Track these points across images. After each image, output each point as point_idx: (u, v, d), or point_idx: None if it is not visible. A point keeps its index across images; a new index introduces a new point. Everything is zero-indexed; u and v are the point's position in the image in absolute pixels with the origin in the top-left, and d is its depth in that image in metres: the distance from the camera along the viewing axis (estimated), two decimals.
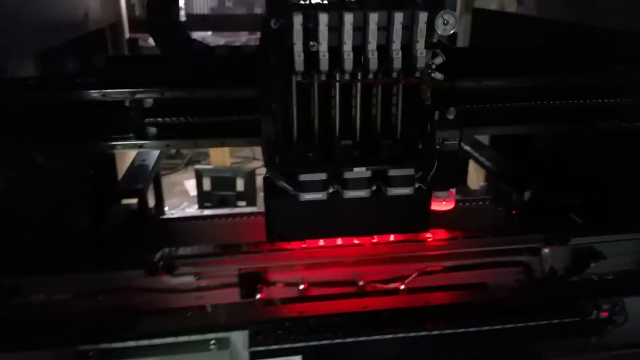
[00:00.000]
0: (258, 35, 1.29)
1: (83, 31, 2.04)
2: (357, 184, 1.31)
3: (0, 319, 1.41)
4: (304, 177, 1.29)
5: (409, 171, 1.32)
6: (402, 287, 1.65)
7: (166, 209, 4.50)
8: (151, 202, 2.18)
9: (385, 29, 1.20)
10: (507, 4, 2.47)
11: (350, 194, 1.31)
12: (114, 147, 1.63)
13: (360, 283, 1.65)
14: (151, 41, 1.55)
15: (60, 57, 1.92)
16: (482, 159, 2.35)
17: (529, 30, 2.30)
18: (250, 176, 4.41)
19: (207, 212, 2.17)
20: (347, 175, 1.30)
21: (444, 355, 1.40)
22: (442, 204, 1.64)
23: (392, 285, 1.66)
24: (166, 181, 5.15)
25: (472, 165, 2.51)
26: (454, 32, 1.27)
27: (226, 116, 1.59)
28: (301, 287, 1.61)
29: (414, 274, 1.67)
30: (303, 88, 1.25)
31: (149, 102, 1.55)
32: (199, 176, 4.29)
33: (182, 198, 4.76)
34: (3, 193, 1.44)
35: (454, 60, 1.31)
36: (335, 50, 1.21)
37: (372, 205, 1.37)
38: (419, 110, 1.31)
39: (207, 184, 4.31)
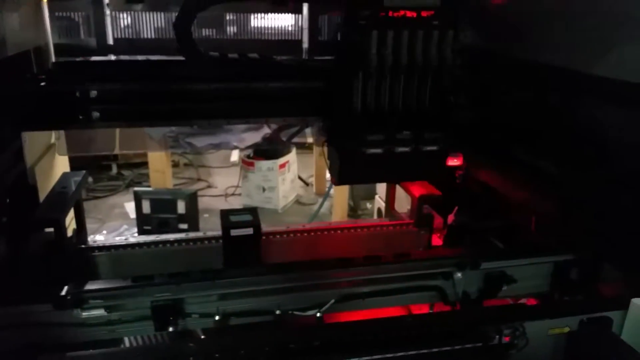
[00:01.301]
0: None
1: (3, 55, 1.99)
2: (404, 142, 1.85)
3: None
4: (370, 137, 1.82)
5: (437, 134, 1.87)
6: (318, 314, 1.68)
7: (104, 232, 4.41)
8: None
9: (427, 40, 1.78)
10: None
11: (399, 149, 1.85)
12: (66, 127, 2.06)
13: (277, 312, 1.66)
14: None
15: None
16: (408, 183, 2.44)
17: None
18: (192, 198, 4.37)
19: (132, 239, 2.12)
20: (398, 136, 1.84)
21: None
22: (454, 161, 2.26)
23: (309, 313, 1.69)
24: (106, 203, 5.05)
25: (399, 190, 2.58)
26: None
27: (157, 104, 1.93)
28: (217, 317, 1.61)
29: (331, 301, 1.71)
30: (365, 79, 1.80)
31: (93, 93, 1.84)
32: (138, 199, 4.22)
33: (121, 221, 4.66)
34: None
35: None
36: (395, 52, 1.76)
37: (410, 158, 1.90)
38: (443, 94, 1.87)
39: (146, 207, 4.24)
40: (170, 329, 1.53)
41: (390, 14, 1.73)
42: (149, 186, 4.82)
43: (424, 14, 1.75)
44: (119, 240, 2.10)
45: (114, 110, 1.90)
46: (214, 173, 5.93)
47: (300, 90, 2.00)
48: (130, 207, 4.75)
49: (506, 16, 2.08)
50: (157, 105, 1.94)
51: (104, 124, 1.92)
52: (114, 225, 4.55)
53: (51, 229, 1.91)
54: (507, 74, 2.04)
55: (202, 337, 1.49)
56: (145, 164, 5.33)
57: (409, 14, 1.74)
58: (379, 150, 1.85)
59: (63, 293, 1.49)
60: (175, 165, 5.60)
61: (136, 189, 4.28)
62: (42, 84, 1.88)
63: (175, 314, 1.57)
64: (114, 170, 5.57)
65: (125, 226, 4.53)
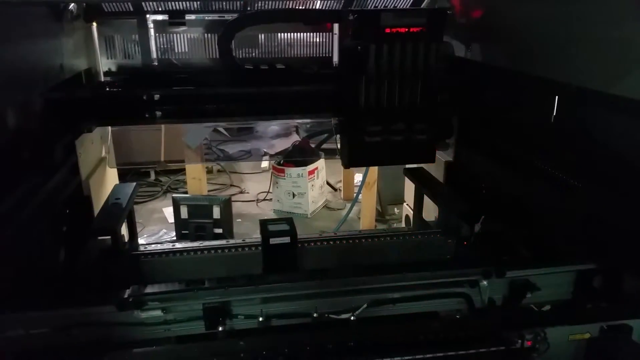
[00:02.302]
0: None
1: (60, 79, 2.21)
2: (399, 132, 2.27)
3: None
4: (371, 128, 2.25)
5: (425, 126, 2.29)
6: (352, 318, 1.81)
7: (145, 236, 4.63)
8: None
9: (416, 51, 2.18)
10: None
11: (395, 138, 2.27)
12: (137, 122, 2.56)
13: (315, 315, 1.81)
14: None
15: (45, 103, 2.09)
16: (435, 193, 2.55)
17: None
18: (226, 204, 4.55)
19: (178, 245, 2.31)
20: (393, 127, 2.26)
21: None
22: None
23: (343, 316, 1.82)
24: (145, 208, 5.28)
25: (426, 199, 2.69)
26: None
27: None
28: (260, 319, 1.77)
29: (364, 305, 1.84)
30: (367, 82, 2.22)
31: (156, 97, 2.33)
32: (176, 204, 4.43)
33: (160, 225, 4.88)
34: None
35: None
36: (389, 61, 2.18)
37: (404, 145, 2.31)
38: (431, 93, 2.26)
39: (184, 212, 4.45)
40: (220, 329, 1.69)
41: (387, 30, 2.13)
42: (185, 192, 5.03)
43: (413, 29, 2.15)
44: (167, 247, 2.28)
45: (171, 111, 2.39)
46: (246, 179, 6.12)
47: (317, 92, 2.45)
48: (168, 212, 4.97)
49: (481, 30, 2.45)
50: (204, 105, 2.42)
51: (164, 120, 2.46)
52: (154, 230, 4.76)
53: (108, 237, 2.11)
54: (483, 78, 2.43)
55: (249, 336, 1.64)
56: (180, 171, 5.55)
57: (401, 30, 2.15)
58: (378, 139, 2.28)
59: (126, 296, 1.66)
60: (209, 171, 5.80)
61: (174, 195, 4.48)
62: (115, 89, 2.49)
63: (224, 315, 1.73)
64: (152, 176, 5.80)
65: (164, 230, 4.74)
